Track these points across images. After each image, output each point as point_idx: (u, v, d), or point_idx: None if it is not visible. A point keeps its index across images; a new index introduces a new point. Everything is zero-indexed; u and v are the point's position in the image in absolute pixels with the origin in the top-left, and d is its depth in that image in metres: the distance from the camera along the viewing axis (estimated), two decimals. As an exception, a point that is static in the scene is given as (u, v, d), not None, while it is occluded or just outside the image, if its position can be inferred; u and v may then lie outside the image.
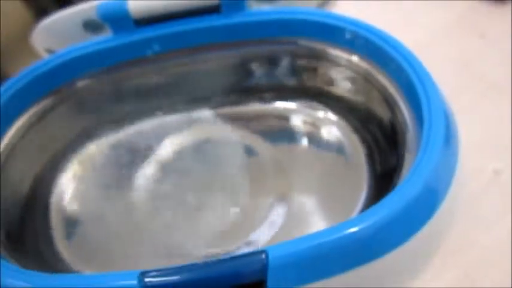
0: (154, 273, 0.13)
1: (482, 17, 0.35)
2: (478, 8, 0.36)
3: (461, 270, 0.23)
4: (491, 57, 0.32)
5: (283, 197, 0.19)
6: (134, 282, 0.13)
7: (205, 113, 0.21)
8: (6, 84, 0.19)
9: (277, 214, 0.19)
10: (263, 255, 0.13)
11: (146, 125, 0.22)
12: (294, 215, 0.19)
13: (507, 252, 0.24)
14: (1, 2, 0.33)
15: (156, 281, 0.13)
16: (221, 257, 0.13)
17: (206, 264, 0.13)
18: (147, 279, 0.13)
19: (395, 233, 0.14)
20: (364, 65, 0.18)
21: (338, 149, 0.20)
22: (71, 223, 0.19)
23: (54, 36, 0.22)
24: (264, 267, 0.13)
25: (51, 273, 0.13)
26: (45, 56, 0.23)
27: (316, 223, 0.19)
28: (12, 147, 0.18)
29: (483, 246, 0.24)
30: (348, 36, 0.18)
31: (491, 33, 0.34)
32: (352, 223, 0.13)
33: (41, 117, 0.19)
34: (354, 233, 0.13)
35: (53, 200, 0.20)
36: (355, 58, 0.19)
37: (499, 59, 0.32)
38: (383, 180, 0.18)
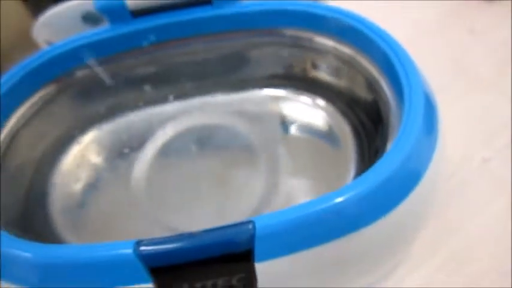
0: (148, 242, 0.14)
1: (471, 13, 0.36)
2: (467, 4, 0.37)
3: (448, 254, 0.24)
4: (479, 51, 0.33)
5: (273, 181, 0.20)
6: (130, 250, 0.14)
7: (199, 101, 0.22)
8: (7, 74, 0.19)
9: (268, 197, 0.20)
10: (250, 225, 0.14)
11: (144, 113, 0.22)
12: (283, 197, 0.20)
13: (493, 238, 0.25)
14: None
15: (150, 249, 0.14)
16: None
17: (196, 234, 0.14)
18: (141, 248, 0.14)
19: (374, 206, 0.15)
20: (348, 51, 0.19)
21: (326, 133, 0.21)
22: (71, 206, 0.20)
23: (54, 29, 0.23)
24: (251, 237, 0.14)
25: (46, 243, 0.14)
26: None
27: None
28: (14, 135, 0.19)
29: (470, 232, 0.25)
30: (331, 24, 0.19)
31: (479, 28, 0.35)
32: (333, 195, 0.14)
33: (41, 106, 0.20)
34: (335, 204, 0.14)
35: (54, 184, 0.21)
36: (339, 45, 0.20)
37: (486, 52, 0.33)
38: (370, 161, 0.19)
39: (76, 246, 0.14)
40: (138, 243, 0.14)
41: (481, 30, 0.35)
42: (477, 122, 0.30)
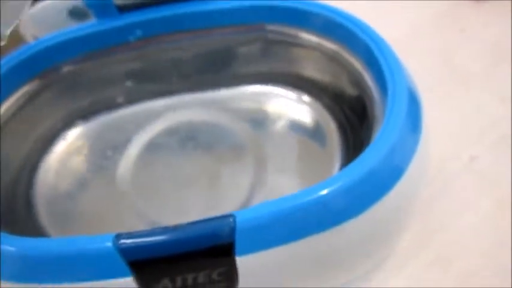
0: (127, 235, 0.14)
1: (463, 12, 0.36)
2: (459, 3, 0.37)
3: (434, 252, 0.24)
4: (469, 50, 0.33)
5: (260, 177, 0.20)
6: (109, 244, 0.13)
7: (186, 98, 0.22)
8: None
9: (254, 193, 0.20)
10: (231, 219, 0.14)
11: (130, 109, 0.22)
12: (270, 193, 0.20)
13: (480, 236, 0.25)
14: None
15: (129, 243, 0.13)
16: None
17: (175, 227, 0.14)
18: (121, 241, 0.14)
19: (356, 199, 0.14)
20: (333, 46, 0.19)
21: (312, 128, 0.21)
22: (57, 203, 0.20)
23: (41, 24, 0.23)
24: (232, 230, 0.14)
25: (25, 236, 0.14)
26: (33, 43, 0.24)
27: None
28: (0, 128, 0.19)
29: (457, 229, 0.25)
30: (316, 19, 0.19)
31: (471, 28, 0.35)
32: (314, 189, 0.14)
33: (27, 101, 0.20)
34: (316, 197, 0.14)
35: (39, 181, 0.20)
36: (324, 40, 0.20)
37: (477, 52, 0.33)
38: (355, 156, 0.19)
39: (56, 240, 0.14)
40: (118, 236, 0.14)
41: (471, 29, 0.35)
42: (466, 120, 0.30)
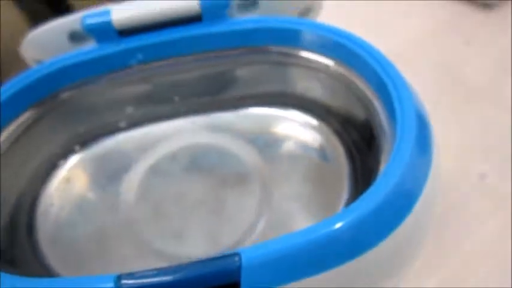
0: (129, 276, 0.13)
1: (467, 23, 0.36)
2: (463, 14, 0.36)
3: (445, 273, 0.24)
4: (475, 63, 0.33)
5: (265, 202, 0.20)
6: (111, 285, 0.13)
7: (189, 121, 0.22)
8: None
9: (260, 218, 0.19)
10: (236, 258, 0.13)
11: (132, 133, 0.22)
12: (277, 219, 0.19)
13: (490, 256, 0.24)
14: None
15: (131, 283, 0.13)
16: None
17: (180, 267, 0.13)
18: (123, 282, 0.13)
19: (367, 234, 0.14)
20: (340, 69, 0.19)
21: (319, 152, 0.20)
22: (58, 232, 0.20)
23: (42, 47, 0.22)
24: (237, 269, 0.13)
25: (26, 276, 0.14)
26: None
27: (299, 227, 0.19)
28: None
29: (467, 249, 0.25)
30: (322, 42, 0.18)
31: (476, 40, 0.34)
32: (322, 225, 0.14)
33: (25, 129, 0.20)
34: (324, 233, 0.13)
35: (39, 210, 0.20)
36: (331, 63, 0.19)
37: (482, 64, 0.33)
38: (363, 182, 0.18)
39: (57, 280, 0.14)
40: (120, 277, 0.13)
41: (477, 40, 0.34)
42: (474, 135, 0.29)
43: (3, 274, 0.14)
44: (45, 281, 0.14)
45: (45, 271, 0.18)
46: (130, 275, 0.13)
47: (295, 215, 0.20)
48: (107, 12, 0.20)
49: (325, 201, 0.19)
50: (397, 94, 0.16)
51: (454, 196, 0.26)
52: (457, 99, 0.31)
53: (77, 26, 0.21)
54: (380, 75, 0.17)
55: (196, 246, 0.19)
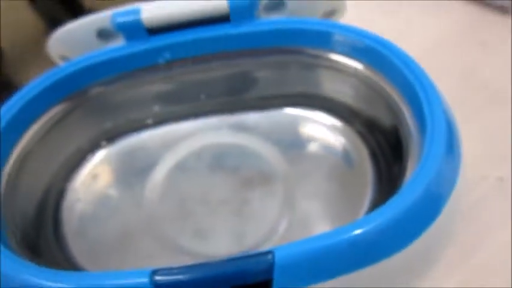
0: (164, 272, 0.13)
1: (483, 26, 0.35)
2: (479, 17, 0.36)
3: (463, 277, 0.24)
4: (492, 66, 0.33)
5: (289, 203, 0.20)
6: (146, 280, 0.13)
7: (214, 120, 0.22)
8: (21, 91, 0.19)
9: (283, 219, 0.20)
10: (269, 256, 0.13)
11: (158, 131, 0.22)
12: (299, 220, 0.20)
13: (508, 260, 0.24)
14: (14, 12, 0.34)
15: (166, 279, 0.13)
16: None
17: (215, 264, 0.13)
18: (157, 277, 0.13)
19: (397, 236, 0.14)
20: (368, 73, 0.19)
21: (343, 155, 0.20)
22: (83, 226, 0.20)
23: (69, 45, 0.22)
24: (271, 267, 0.13)
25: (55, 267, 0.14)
26: (60, 63, 0.24)
27: (321, 228, 0.20)
28: (28, 153, 0.19)
29: (485, 254, 0.25)
30: (352, 45, 0.18)
31: (492, 42, 0.34)
32: (357, 225, 0.14)
33: (56, 121, 0.20)
34: (358, 234, 0.14)
35: (65, 204, 0.20)
36: (359, 66, 0.19)
37: (500, 67, 0.32)
38: (388, 186, 0.19)
39: (90, 274, 0.14)
40: (154, 272, 0.13)
41: (492, 43, 0.34)
42: (491, 140, 0.29)
43: (34, 267, 0.14)
44: (79, 275, 0.14)
45: (70, 264, 0.19)
46: (165, 271, 0.13)
47: (318, 216, 0.20)
48: (137, 11, 0.20)
49: (347, 204, 0.20)
50: (427, 99, 0.16)
51: (472, 199, 0.26)
52: (475, 102, 0.31)
53: (106, 24, 0.21)
54: (410, 80, 0.17)
55: (219, 245, 0.19)
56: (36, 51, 0.27)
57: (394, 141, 0.18)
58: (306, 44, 0.20)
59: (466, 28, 0.36)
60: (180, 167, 0.21)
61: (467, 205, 0.26)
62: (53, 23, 0.23)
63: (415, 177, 0.15)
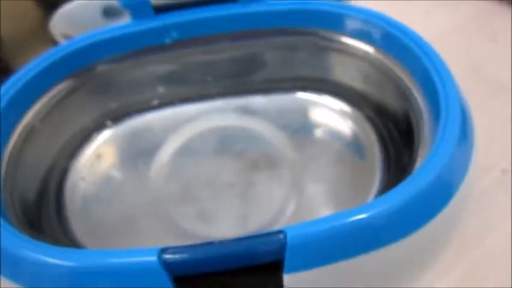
0: (173, 250, 0.13)
1: (492, 19, 0.35)
2: (488, 10, 0.36)
3: (466, 268, 0.24)
4: (500, 59, 0.33)
5: (296, 187, 0.20)
6: (154, 258, 0.13)
7: (220, 102, 0.22)
8: (27, 67, 0.19)
9: (289, 203, 0.19)
10: (281, 235, 0.13)
11: (162, 112, 0.22)
12: (306, 204, 0.19)
13: (508, 251, 0.24)
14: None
15: (175, 258, 0.13)
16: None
17: (225, 243, 0.13)
18: (166, 256, 0.13)
19: (407, 220, 0.14)
20: (380, 56, 0.19)
21: (352, 140, 0.20)
22: (86, 206, 0.19)
23: (73, 23, 0.22)
24: (282, 247, 0.13)
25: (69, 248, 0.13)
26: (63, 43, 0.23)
27: (327, 213, 0.19)
28: (31, 129, 0.19)
29: (488, 245, 0.24)
30: (364, 27, 0.18)
31: (501, 35, 0.34)
32: (370, 206, 0.13)
33: (60, 100, 0.20)
34: (371, 216, 0.13)
35: (68, 183, 0.20)
36: (371, 50, 0.19)
37: (507, 61, 0.32)
38: (397, 173, 0.18)
39: (97, 251, 0.14)
40: (163, 250, 0.13)
41: (501, 36, 0.34)
42: (497, 133, 0.29)
43: (40, 244, 0.14)
44: (86, 252, 0.14)
45: (72, 244, 0.18)
46: (174, 249, 0.13)
47: (325, 201, 0.20)
48: (144, -12, 0.19)
49: (355, 189, 0.19)
50: (442, 84, 0.16)
51: (477, 190, 0.26)
52: (482, 95, 0.31)
53: (111, 2, 0.21)
54: (424, 64, 0.16)
55: (224, 227, 0.19)
56: (35, 39, 0.26)
57: (404, 127, 0.18)
58: (317, 25, 0.19)
59: (475, 22, 0.35)
60: (185, 150, 0.21)
61: (471, 197, 0.26)
62: (52, 10, 0.23)
63: (428, 161, 0.15)
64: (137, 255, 0.13)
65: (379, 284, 0.16)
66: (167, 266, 0.13)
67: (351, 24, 0.19)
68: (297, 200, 0.19)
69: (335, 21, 0.19)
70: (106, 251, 0.13)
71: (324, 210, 0.19)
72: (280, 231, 0.13)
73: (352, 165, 0.20)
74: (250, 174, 0.20)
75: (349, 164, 0.20)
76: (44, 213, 0.18)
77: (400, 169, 0.18)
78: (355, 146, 0.20)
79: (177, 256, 0.13)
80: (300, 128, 0.21)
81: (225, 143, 0.21)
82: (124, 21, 0.20)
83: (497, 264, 0.24)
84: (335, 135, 0.21)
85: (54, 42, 0.24)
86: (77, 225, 0.19)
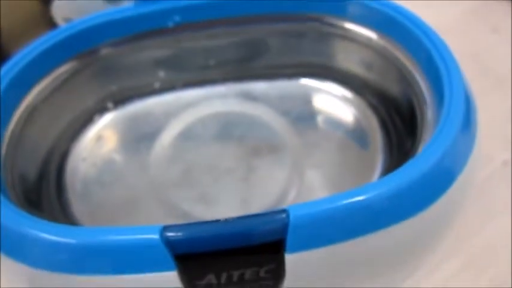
0: (175, 228, 0.13)
1: (495, 11, 0.35)
2: (490, 2, 0.36)
3: (465, 258, 0.24)
4: (502, 52, 0.33)
5: (296, 172, 0.20)
6: (156, 236, 0.13)
7: (222, 88, 0.22)
8: (28, 48, 0.19)
9: (290, 189, 0.19)
10: (284, 214, 0.13)
11: (163, 97, 0.22)
12: (306, 190, 0.19)
13: (510, 240, 0.24)
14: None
15: (177, 236, 0.13)
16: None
17: (225, 222, 0.13)
18: (168, 233, 0.13)
19: (410, 202, 0.14)
20: (382, 43, 0.19)
21: (353, 125, 0.20)
22: (86, 188, 0.19)
23: (75, 6, 0.22)
24: (285, 226, 0.13)
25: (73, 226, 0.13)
26: (64, 26, 0.23)
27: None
28: (33, 110, 0.19)
29: (487, 235, 0.25)
30: (368, 12, 0.18)
31: (503, 27, 0.34)
32: (373, 186, 0.13)
33: (62, 81, 0.20)
34: (371, 196, 0.13)
35: (68, 165, 0.20)
36: (374, 35, 0.19)
37: (509, 52, 0.32)
38: (399, 157, 0.18)
39: (99, 229, 0.14)
40: (165, 228, 0.13)
41: (504, 29, 0.34)
42: (499, 124, 0.29)
43: (43, 222, 0.14)
44: (88, 229, 0.14)
45: (71, 224, 0.18)
46: (176, 227, 0.13)
47: (327, 186, 0.20)
48: (147, -30, 0.19)
49: (357, 175, 0.19)
50: (446, 69, 0.16)
51: (477, 181, 0.26)
52: (484, 87, 0.31)
53: (114, -15, 0.20)
54: (428, 50, 0.16)
55: (225, 210, 0.19)
56: (35, 27, 0.26)
57: (407, 113, 0.18)
58: (321, 11, 0.19)
59: (478, 14, 0.35)
60: (187, 134, 0.21)
61: (472, 186, 0.26)
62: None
63: (431, 144, 0.15)
64: (139, 233, 0.13)
65: (379, 269, 0.16)
66: (169, 243, 0.13)
67: (355, 9, 0.19)
68: (298, 186, 0.19)
69: (338, 6, 0.19)
70: (108, 228, 0.13)
71: (324, 195, 0.19)
72: (283, 210, 0.13)
73: (354, 151, 0.20)
74: (252, 160, 0.20)
75: (351, 150, 0.20)
76: (45, 194, 0.18)
77: (403, 155, 0.18)
78: (357, 132, 0.20)
79: (179, 234, 0.13)
80: (302, 114, 0.21)
81: (227, 129, 0.21)
82: (126, 4, 0.20)
83: (497, 255, 0.24)
84: (337, 121, 0.21)
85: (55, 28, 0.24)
86: (77, 208, 0.19)
